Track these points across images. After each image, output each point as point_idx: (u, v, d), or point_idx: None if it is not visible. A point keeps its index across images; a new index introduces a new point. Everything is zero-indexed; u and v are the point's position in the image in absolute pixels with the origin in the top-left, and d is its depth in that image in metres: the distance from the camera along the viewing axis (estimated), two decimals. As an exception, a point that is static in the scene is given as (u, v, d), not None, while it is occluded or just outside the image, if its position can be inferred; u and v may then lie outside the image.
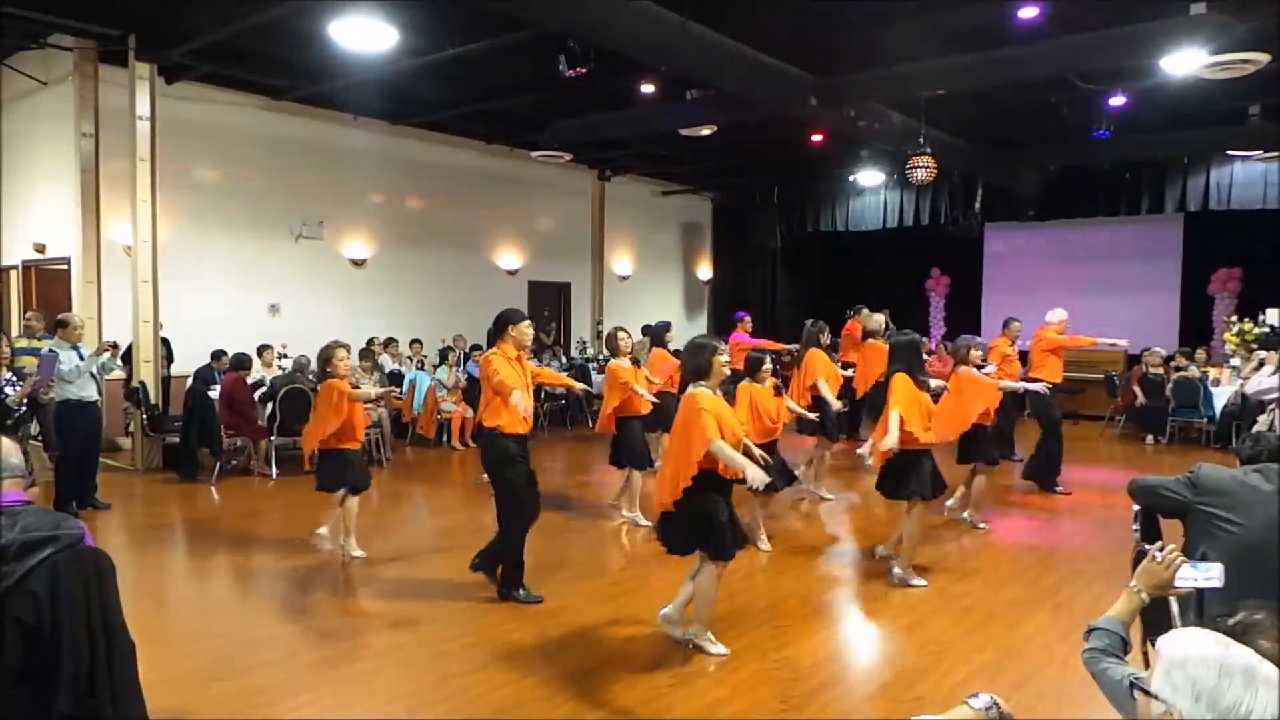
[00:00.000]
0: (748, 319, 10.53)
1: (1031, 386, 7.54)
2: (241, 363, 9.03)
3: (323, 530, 6.43)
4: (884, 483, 5.64)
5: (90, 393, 7.31)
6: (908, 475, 5.47)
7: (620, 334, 7.18)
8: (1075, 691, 4.04)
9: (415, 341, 11.80)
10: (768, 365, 6.09)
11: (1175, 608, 2.89)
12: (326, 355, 5.99)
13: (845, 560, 6.24)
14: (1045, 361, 8.39)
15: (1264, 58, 7.15)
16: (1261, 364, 9.62)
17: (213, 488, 8.45)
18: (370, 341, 11.18)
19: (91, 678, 2.85)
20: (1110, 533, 6.75)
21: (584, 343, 15.18)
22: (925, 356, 6.40)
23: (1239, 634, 1.77)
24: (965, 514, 7.14)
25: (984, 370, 7.06)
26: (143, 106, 8.86)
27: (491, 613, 5.08)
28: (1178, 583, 2.50)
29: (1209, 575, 2.39)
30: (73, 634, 2.81)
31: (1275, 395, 6.02)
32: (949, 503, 7.14)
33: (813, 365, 7.80)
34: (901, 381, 5.44)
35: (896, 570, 5.60)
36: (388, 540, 6.54)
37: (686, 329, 17.19)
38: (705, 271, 18.41)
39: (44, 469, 7.36)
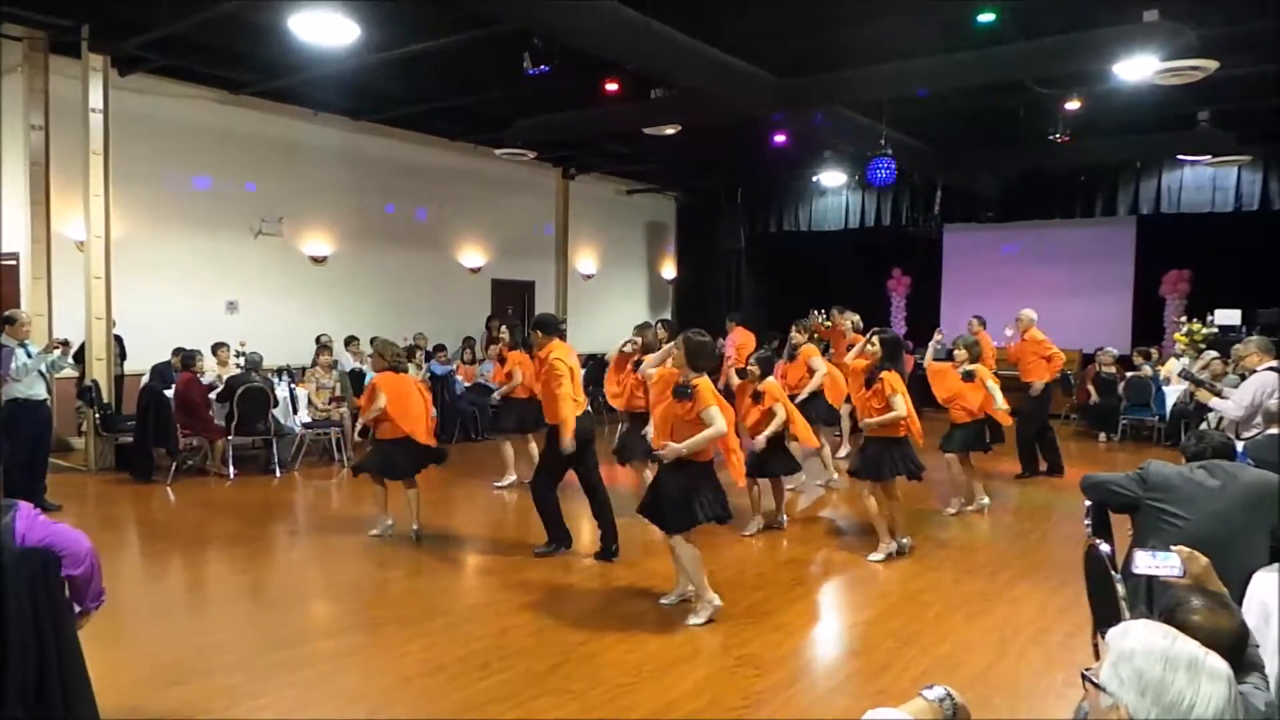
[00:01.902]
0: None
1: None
2: (189, 361, 8.80)
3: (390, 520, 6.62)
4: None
5: (39, 391, 7.13)
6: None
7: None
8: (1030, 683, 4.14)
9: (376, 339, 11.64)
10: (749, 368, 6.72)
11: (1123, 599, 2.96)
12: (400, 350, 6.86)
13: (806, 557, 6.29)
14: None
15: (1213, 65, 7.34)
16: (1206, 366, 9.90)
17: (168, 488, 8.29)
18: (318, 340, 10.94)
19: (40, 679, 2.79)
20: (1065, 528, 6.90)
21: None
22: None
23: (1170, 608, 1.83)
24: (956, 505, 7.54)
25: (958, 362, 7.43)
26: (96, 99, 8.65)
27: (451, 614, 5.05)
28: (1135, 569, 2.56)
29: (1167, 563, 2.46)
30: (21, 634, 2.75)
31: (1263, 397, 6.00)
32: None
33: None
34: (895, 377, 5.97)
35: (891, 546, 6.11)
36: (346, 540, 6.46)
37: (651, 328, 17.18)
38: (670, 271, 18.45)
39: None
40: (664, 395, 4.66)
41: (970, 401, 7.25)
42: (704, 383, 4.58)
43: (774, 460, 6.62)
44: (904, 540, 6.18)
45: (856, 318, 9.86)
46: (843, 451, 9.67)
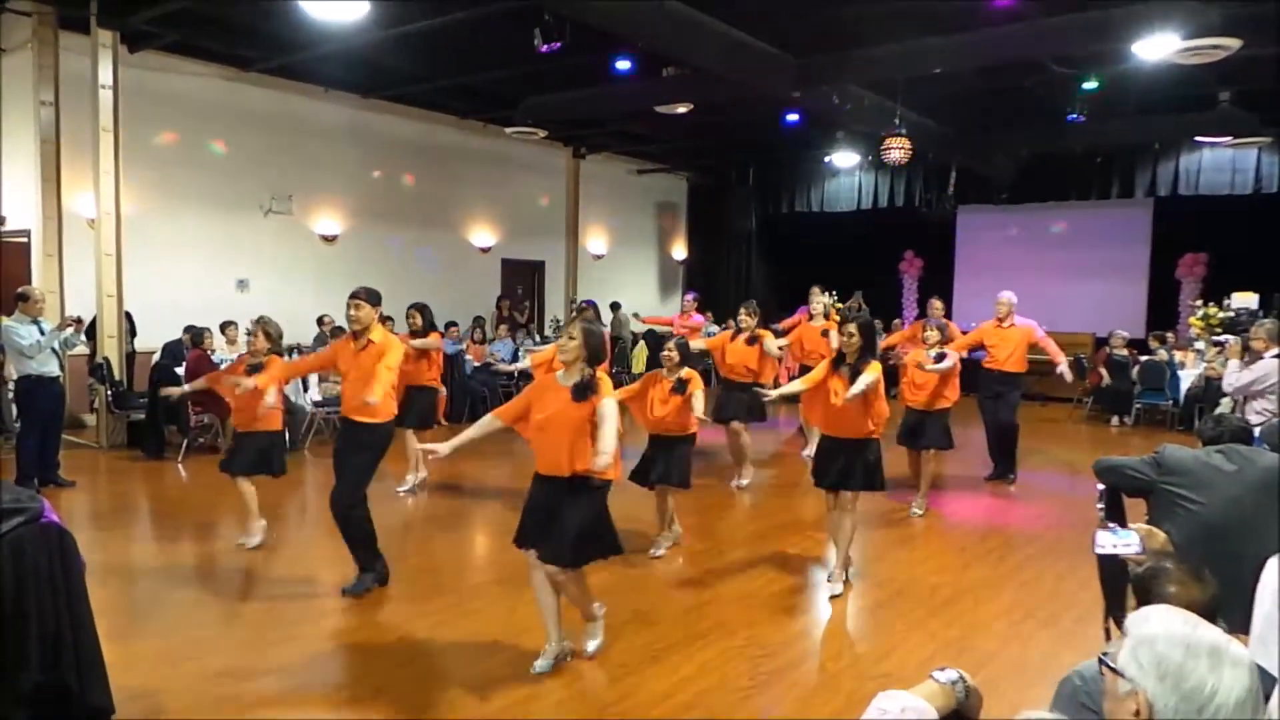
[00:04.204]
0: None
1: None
2: (198, 339, 8.82)
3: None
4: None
5: (52, 368, 7.18)
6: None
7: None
8: (1040, 665, 4.12)
9: (386, 319, 11.66)
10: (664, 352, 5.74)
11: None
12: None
13: (812, 542, 6.27)
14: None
15: (1235, 43, 7.20)
16: (1226, 360, 9.78)
17: (179, 465, 8.34)
18: (320, 320, 10.96)
19: (56, 650, 2.83)
20: (1075, 512, 6.85)
21: (558, 321, 15.11)
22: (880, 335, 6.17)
23: (1147, 579, 1.81)
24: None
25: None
26: (105, 75, 8.62)
27: (458, 592, 5.07)
28: (1096, 549, 2.57)
29: (1125, 541, 2.47)
30: (39, 606, 2.78)
31: (1263, 387, 6.04)
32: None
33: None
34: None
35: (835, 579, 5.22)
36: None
37: (660, 308, 17.18)
38: (680, 251, 18.37)
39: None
40: (552, 397, 3.83)
41: (944, 388, 6.89)
42: (603, 375, 3.89)
43: (679, 467, 5.69)
44: (848, 570, 5.26)
45: (828, 300, 9.10)
46: (806, 451, 8.74)
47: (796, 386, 5.28)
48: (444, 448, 3.91)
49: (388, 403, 4.86)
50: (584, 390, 3.76)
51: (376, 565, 5.00)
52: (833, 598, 5.03)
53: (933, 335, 7.02)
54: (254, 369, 5.74)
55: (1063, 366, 7.86)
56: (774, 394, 5.47)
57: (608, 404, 3.74)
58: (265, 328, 5.84)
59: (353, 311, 4.82)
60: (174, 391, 6.26)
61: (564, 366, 3.88)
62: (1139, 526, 2.52)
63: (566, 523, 3.75)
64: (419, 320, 7.27)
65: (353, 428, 4.88)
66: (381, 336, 4.88)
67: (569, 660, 4.02)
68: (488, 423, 4.04)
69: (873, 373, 4.82)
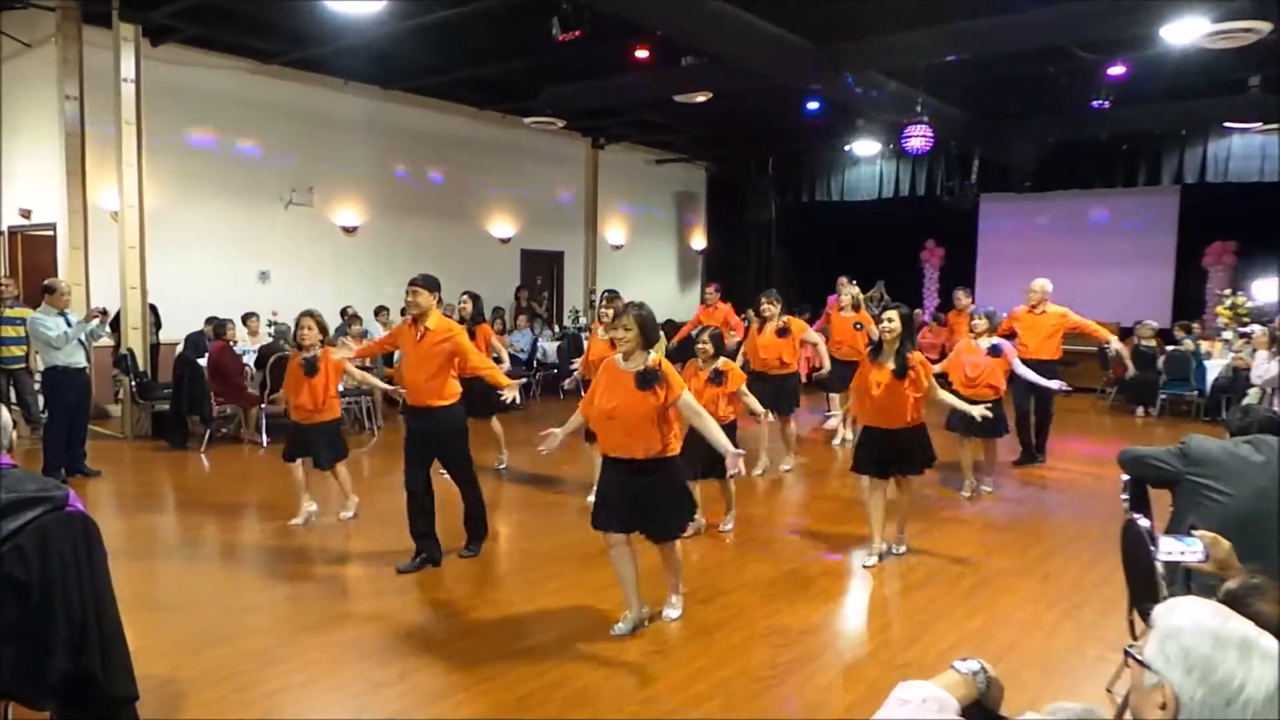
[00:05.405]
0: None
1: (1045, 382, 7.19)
2: (220, 330, 8.92)
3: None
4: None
5: (79, 359, 7.27)
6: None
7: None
8: (1062, 657, 4.08)
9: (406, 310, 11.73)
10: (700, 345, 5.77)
11: (1162, 576, 2.90)
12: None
13: (835, 531, 6.25)
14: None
15: (1266, 26, 7.05)
16: (1254, 350, 9.64)
17: (202, 455, 8.43)
18: (344, 311, 11.04)
19: (81, 637, 2.86)
20: (1100, 503, 6.78)
21: (576, 312, 15.12)
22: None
23: (1239, 596, 1.78)
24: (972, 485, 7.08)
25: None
26: (127, 69, 8.70)
27: (475, 580, 5.09)
28: (1161, 556, 2.53)
29: (1191, 549, 2.44)
30: (64, 593, 2.81)
31: None
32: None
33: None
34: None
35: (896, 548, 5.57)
36: (375, 507, 6.52)
37: (679, 299, 17.16)
38: (699, 241, 18.31)
39: (20, 436, 7.34)
40: (616, 386, 3.99)
41: (997, 378, 6.82)
42: (668, 366, 4.02)
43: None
44: (900, 548, 5.54)
45: (855, 291, 9.06)
46: (837, 440, 9.04)
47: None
48: (557, 435, 4.23)
49: (452, 384, 5.13)
50: (649, 380, 3.91)
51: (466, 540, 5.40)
52: (883, 556, 5.40)
53: (981, 324, 6.87)
54: (309, 362, 5.87)
55: (1115, 344, 7.90)
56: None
57: (687, 401, 4.00)
58: (319, 321, 5.99)
59: (411, 298, 5.04)
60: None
61: (622, 357, 4.05)
62: (1203, 534, 2.47)
63: (662, 502, 4.06)
64: (469, 308, 7.35)
65: (422, 413, 5.11)
66: (437, 323, 5.05)
67: (648, 625, 4.31)
68: (578, 419, 4.35)
69: (928, 377, 5.16)
